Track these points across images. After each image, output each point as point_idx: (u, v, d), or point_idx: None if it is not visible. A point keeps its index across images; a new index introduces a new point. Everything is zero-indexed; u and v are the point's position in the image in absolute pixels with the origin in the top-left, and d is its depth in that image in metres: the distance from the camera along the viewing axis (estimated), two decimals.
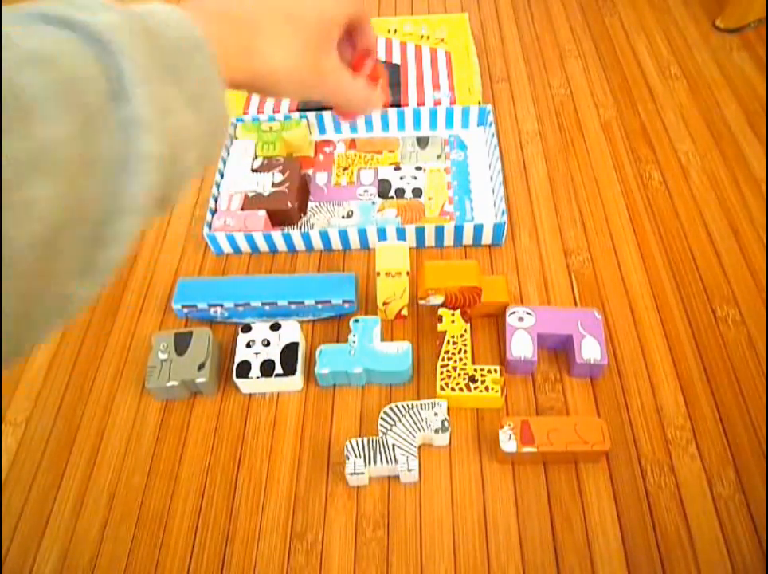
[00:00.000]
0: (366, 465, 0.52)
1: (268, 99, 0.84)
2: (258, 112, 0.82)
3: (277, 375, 0.57)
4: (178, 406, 0.60)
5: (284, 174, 0.73)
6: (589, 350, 0.56)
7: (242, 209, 0.70)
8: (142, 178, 0.25)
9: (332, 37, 0.40)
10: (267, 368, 0.58)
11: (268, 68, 0.35)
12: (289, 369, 0.58)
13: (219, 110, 0.31)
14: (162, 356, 0.58)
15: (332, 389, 0.60)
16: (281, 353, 0.58)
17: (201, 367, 0.58)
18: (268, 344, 0.59)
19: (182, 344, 0.59)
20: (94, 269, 0.25)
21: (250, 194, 0.72)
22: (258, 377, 0.57)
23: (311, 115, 0.80)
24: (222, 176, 0.75)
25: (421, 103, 0.81)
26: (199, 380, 0.57)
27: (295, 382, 0.58)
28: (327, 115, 0.80)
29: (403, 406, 0.55)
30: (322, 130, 0.82)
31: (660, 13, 0.96)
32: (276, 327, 0.60)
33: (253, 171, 0.74)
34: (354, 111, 0.48)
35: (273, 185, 0.72)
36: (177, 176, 0.28)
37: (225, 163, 0.76)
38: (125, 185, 0.25)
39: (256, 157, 0.76)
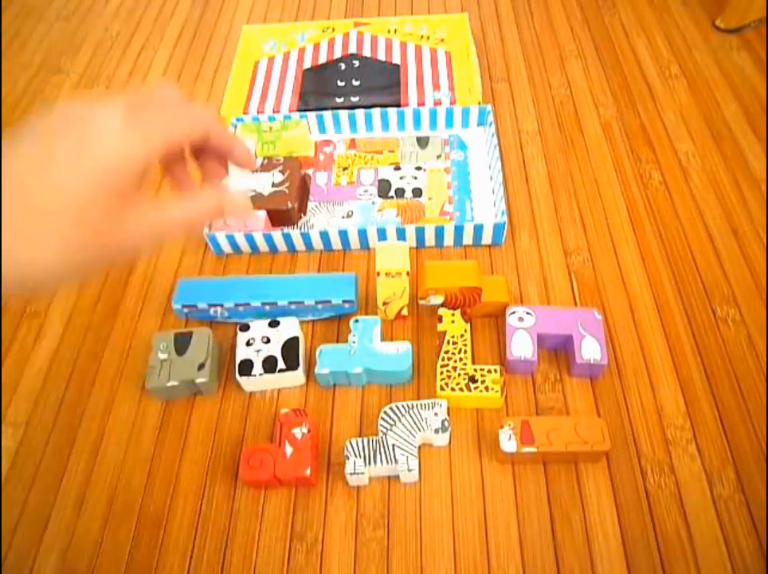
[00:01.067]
0: (366, 465, 0.52)
1: (266, 102, 0.84)
2: (258, 112, 0.82)
3: (281, 370, 0.57)
4: (178, 406, 0.60)
5: (283, 175, 0.72)
6: (589, 350, 0.56)
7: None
8: None
9: (130, 187, 0.30)
10: (270, 364, 0.58)
11: (14, 278, 0.26)
12: (292, 364, 0.58)
13: None
14: (162, 356, 0.58)
15: (332, 389, 0.60)
16: (282, 349, 0.59)
17: (201, 367, 0.58)
18: (269, 341, 0.59)
19: (182, 344, 0.59)
20: None
21: (250, 194, 0.72)
22: (261, 374, 0.57)
23: (312, 115, 0.80)
24: None
25: (421, 103, 0.81)
26: (199, 380, 0.57)
27: (298, 376, 0.58)
28: (327, 115, 0.80)
29: (403, 406, 0.55)
30: (322, 130, 0.82)
31: (660, 13, 0.96)
32: (274, 324, 0.60)
33: (253, 171, 0.74)
34: (213, 220, 0.34)
35: (273, 185, 0.72)
36: None
37: None
38: None
39: (255, 157, 0.76)
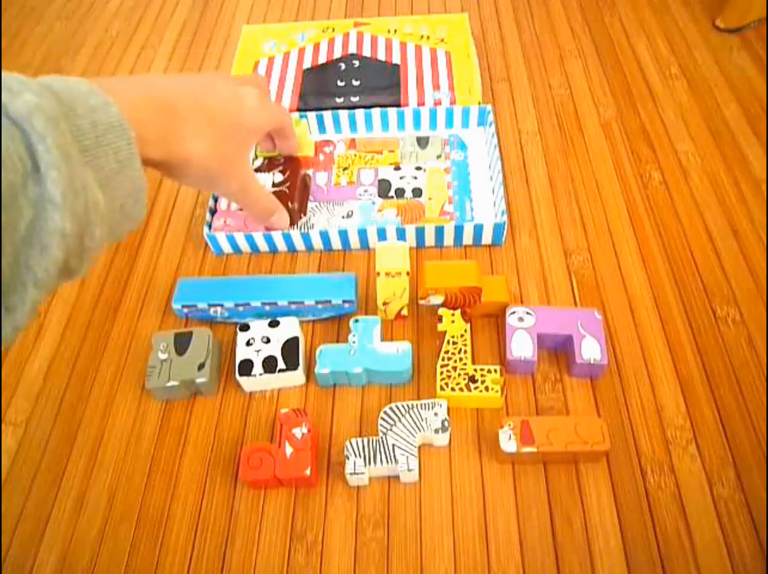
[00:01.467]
0: (366, 465, 0.52)
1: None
2: None
3: (281, 370, 0.57)
4: (178, 406, 0.60)
5: (284, 175, 0.72)
6: (589, 350, 0.56)
7: (242, 209, 0.70)
8: (47, 253, 0.27)
9: (246, 143, 0.46)
10: (269, 365, 0.58)
11: (183, 154, 0.39)
12: (292, 364, 0.58)
13: (134, 188, 0.33)
14: (162, 356, 0.58)
15: (332, 389, 0.60)
16: (282, 349, 0.59)
17: (201, 367, 0.58)
18: (268, 341, 0.59)
19: (182, 344, 0.59)
20: None
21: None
22: (261, 374, 0.57)
23: (312, 115, 0.80)
24: None
25: (421, 103, 0.81)
26: (199, 380, 0.57)
27: (298, 376, 0.58)
28: (327, 115, 0.80)
29: (403, 406, 0.55)
30: (322, 130, 0.82)
31: (660, 13, 0.96)
32: (274, 324, 0.60)
33: (255, 171, 0.74)
34: (256, 216, 0.56)
35: (274, 185, 0.71)
36: (84, 251, 0.30)
37: None
38: (30, 259, 0.27)
39: (256, 157, 0.76)
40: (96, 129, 0.30)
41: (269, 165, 0.73)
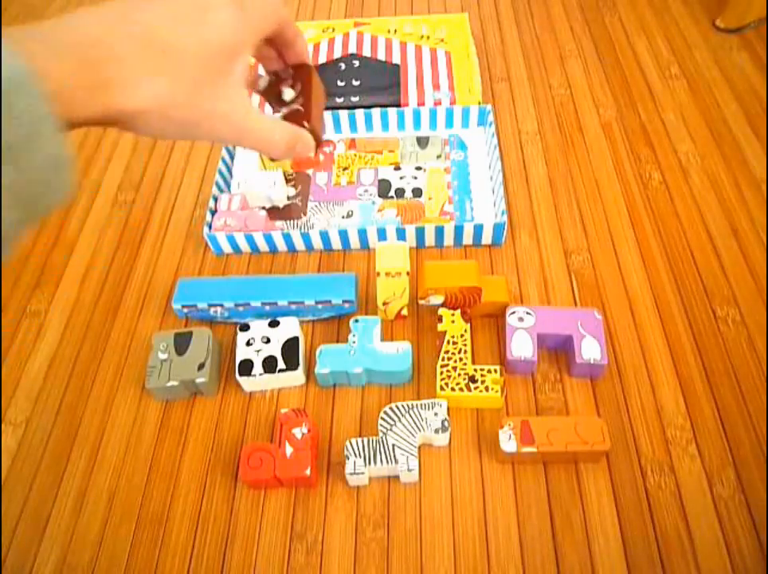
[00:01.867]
0: (366, 465, 0.52)
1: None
2: None
3: (280, 371, 0.57)
4: (178, 406, 0.60)
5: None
6: (589, 350, 0.56)
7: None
8: None
9: (224, 71, 0.33)
10: (269, 365, 0.58)
11: (132, 105, 0.29)
12: (292, 364, 0.58)
13: (51, 156, 0.26)
14: (162, 356, 0.58)
15: (332, 389, 0.60)
16: (282, 349, 0.59)
17: (201, 367, 0.58)
18: (268, 341, 0.59)
19: (182, 344, 0.59)
20: None
21: (267, 207, 0.73)
22: (261, 374, 0.57)
23: None
24: (222, 176, 0.75)
25: (421, 103, 0.81)
26: (199, 380, 0.57)
27: (298, 376, 0.58)
28: (327, 114, 0.80)
29: (403, 406, 0.55)
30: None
31: (660, 13, 0.96)
32: (274, 324, 0.60)
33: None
34: (271, 155, 0.40)
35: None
36: None
37: (225, 163, 0.76)
38: None
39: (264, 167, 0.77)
40: None
41: (276, 82, 0.66)
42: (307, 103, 0.59)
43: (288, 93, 0.57)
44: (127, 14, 0.30)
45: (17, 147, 0.24)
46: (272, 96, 0.46)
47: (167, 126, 0.32)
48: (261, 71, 0.45)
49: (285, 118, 0.54)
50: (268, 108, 0.40)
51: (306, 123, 0.56)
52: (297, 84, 0.63)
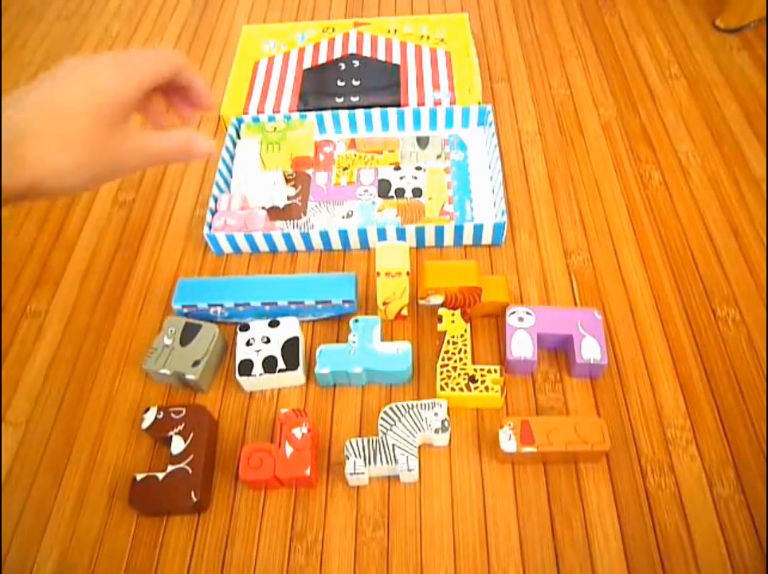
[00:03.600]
0: (366, 465, 0.52)
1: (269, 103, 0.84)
2: (258, 112, 0.82)
3: (280, 370, 0.57)
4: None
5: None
6: (589, 350, 0.56)
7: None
8: None
9: (119, 122, 0.38)
10: (269, 365, 0.58)
11: (46, 173, 0.33)
12: (291, 364, 0.58)
13: None
14: (167, 341, 0.59)
15: (332, 389, 0.60)
16: (282, 349, 0.59)
17: (195, 364, 0.58)
18: (268, 341, 0.59)
19: (188, 335, 0.60)
20: None
21: (267, 207, 0.73)
22: (261, 374, 0.57)
23: (311, 115, 0.80)
24: (222, 177, 0.75)
25: (421, 103, 0.81)
26: (189, 376, 0.57)
27: (298, 376, 0.58)
28: (327, 115, 0.80)
29: (403, 406, 0.55)
30: (322, 130, 0.82)
31: (660, 13, 0.96)
32: (274, 324, 0.60)
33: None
34: (182, 158, 0.44)
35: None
36: None
37: (225, 163, 0.76)
38: None
39: (262, 159, 0.77)
40: None
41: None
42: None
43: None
44: (38, 96, 0.35)
45: None
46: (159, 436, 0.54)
47: (82, 181, 0.36)
48: (149, 414, 0.53)
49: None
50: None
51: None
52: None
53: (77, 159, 0.35)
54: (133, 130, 0.39)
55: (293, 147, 0.78)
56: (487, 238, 0.68)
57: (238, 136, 0.80)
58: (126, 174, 0.40)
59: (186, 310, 0.63)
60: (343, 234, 0.68)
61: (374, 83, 0.84)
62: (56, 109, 0.34)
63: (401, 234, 0.68)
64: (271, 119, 0.80)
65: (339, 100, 0.82)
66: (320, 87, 0.84)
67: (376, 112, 0.79)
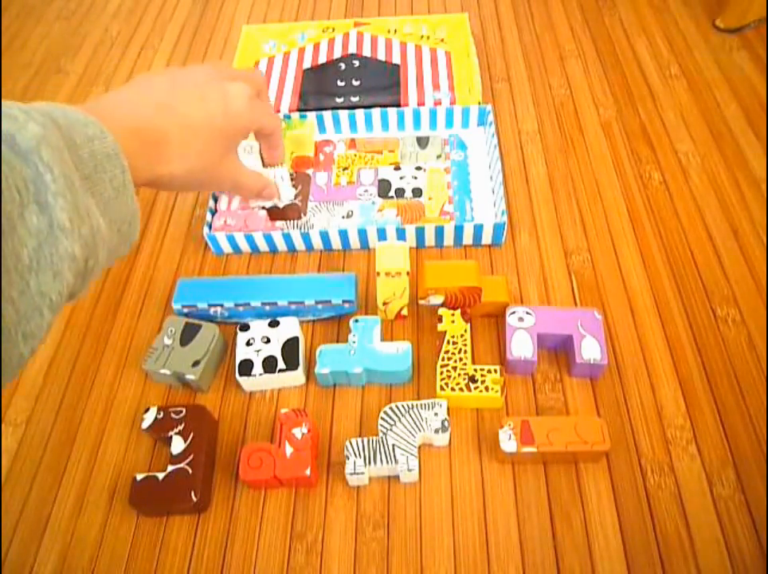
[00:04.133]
0: (366, 465, 0.52)
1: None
2: None
3: (280, 370, 0.57)
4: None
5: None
6: (589, 350, 0.56)
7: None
8: (60, 277, 0.29)
9: (232, 145, 0.46)
10: (269, 365, 0.58)
11: (169, 173, 0.40)
12: (292, 364, 0.58)
13: (129, 212, 0.34)
14: (167, 341, 0.59)
15: (332, 389, 0.60)
16: (282, 349, 0.59)
17: (195, 364, 0.58)
18: (268, 341, 0.59)
19: (188, 334, 0.60)
20: (8, 365, 0.27)
21: (268, 206, 0.73)
22: (261, 374, 0.57)
23: (311, 115, 0.80)
24: None
25: (421, 103, 0.81)
26: (188, 377, 0.57)
27: (298, 376, 0.58)
28: (327, 115, 0.80)
29: (403, 406, 0.55)
30: (322, 130, 0.82)
31: (660, 13, 0.96)
32: (274, 324, 0.60)
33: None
34: (251, 197, 0.57)
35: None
36: (87, 273, 0.32)
37: None
38: (43, 285, 0.28)
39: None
40: (94, 158, 0.31)
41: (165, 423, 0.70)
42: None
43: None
44: (177, 100, 0.41)
45: (108, 204, 0.32)
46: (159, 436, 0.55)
47: (190, 185, 0.44)
48: (149, 414, 0.55)
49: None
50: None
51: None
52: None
53: (200, 168, 0.42)
54: (237, 158, 0.47)
55: (293, 147, 0.78)
56: (487, 238, 0.68)
57: None
58: (211, 190, 0.53)
59: (186, 310, 0.63)
60: (343, 234, 0.68)
61: (374, 83, 0.84)
62: (191, 124, 0.41)
63: (401, 234, 0.68)
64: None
65: (339, 100, 0.82)
66: (320, 87, 0.84)
67: (376, 112, 0.79)
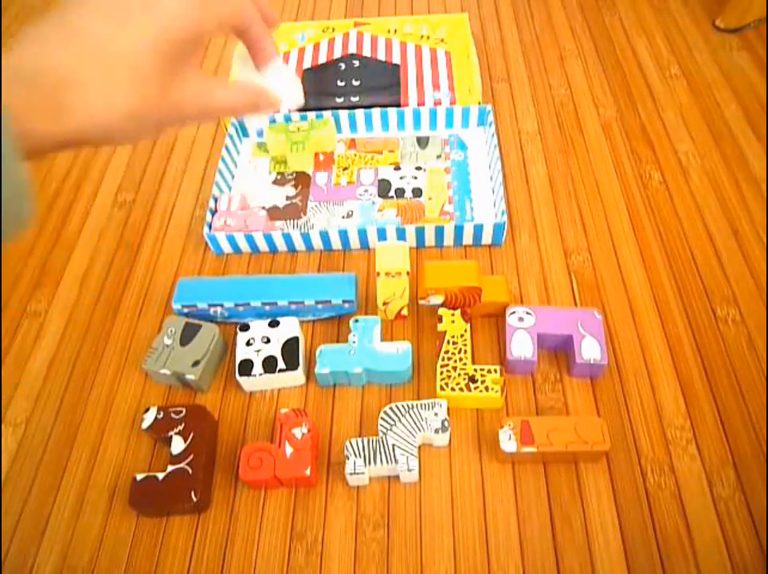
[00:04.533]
0: (366, 465, 0.52)
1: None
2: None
3: (280, 370, 0.57)
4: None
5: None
6: (589, 350, 0.56)
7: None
8: None
9: (176, 61, 0.32)
10: (269, 365, 0.58)
11: (90, 123, 0.29)
12: (291, 364, 0.58)
13: (14, 188, 0.26)
14: (167, 341, 0.59)
15: (332, 389, 0.60)
16: (282, 349, 0.59)
17: (195, 364, 0.58)
18: (268, 341, 0.59)
19: (188, 334, 0.60)
20: None
21: (267, 206, 0.73)
22: (261, 374, 0.57)
23: (312, 115, 0.80)
24: (222, 177, 0.75)
25: (421, 103, 0.81)
26: (188, 377, 0.57)
27: (298, 376, 0.58)
28: (327, 115, 0.80)
29: (403, 406, 0.55)
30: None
31: (660, 13, 0.96)
32: (274, 324, 0.60)
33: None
34: (243, 114, 0.40)
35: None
36: None
37: (225, 163, 0.76)
38: None
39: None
40: None
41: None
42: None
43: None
44: (74, 29, 0.29)
45: None
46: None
47: (136, 131, 0.32)
48: (149, 414, 0.53)
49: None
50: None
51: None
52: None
53: (129, 110, 0.30)
54: (195, 76, 0.33)
55: (317, 146, 0.78)
56: (487, 238, 0.68)
57: (238, 136, 0.80)
58: (178, 126, 0.35)
59: (186, 310, 0.63)
60: (343, 234, 0.68)
61: (374, 83, 0.84)
62: (101, 53, 0.29)
63: (401, 234, 0.68)
64: (287, 118, 0.80)
65: (339, 100, 0.82)
66: (320, 87, 0.84)
67: (376, 112, 0.79)
